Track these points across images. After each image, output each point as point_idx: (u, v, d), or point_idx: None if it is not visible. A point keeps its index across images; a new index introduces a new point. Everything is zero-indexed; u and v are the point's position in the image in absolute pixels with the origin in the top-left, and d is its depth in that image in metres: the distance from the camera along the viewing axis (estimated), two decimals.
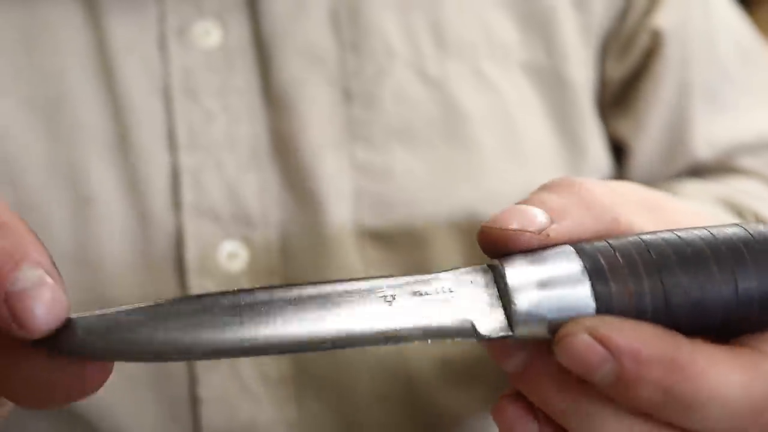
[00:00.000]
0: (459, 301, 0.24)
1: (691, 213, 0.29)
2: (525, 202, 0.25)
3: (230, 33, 0.40)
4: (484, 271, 0.24)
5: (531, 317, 0.23)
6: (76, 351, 0.22)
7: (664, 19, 0.45)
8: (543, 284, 0.23)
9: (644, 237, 0.24)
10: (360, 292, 0.24)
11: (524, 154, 0.42)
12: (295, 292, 0.24)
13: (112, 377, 0.37)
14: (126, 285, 0.38)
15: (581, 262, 0.23)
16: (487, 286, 0.24)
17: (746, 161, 0.48)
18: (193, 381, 0.38)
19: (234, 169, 0.39)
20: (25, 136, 0.38)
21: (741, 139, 0.47)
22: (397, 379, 0.39)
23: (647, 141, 0.46)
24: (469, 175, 0.41)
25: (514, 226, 0.24)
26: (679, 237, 0.24)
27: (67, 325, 0.22)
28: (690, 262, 0.23)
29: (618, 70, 0.46)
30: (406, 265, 0.40)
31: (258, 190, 0.39)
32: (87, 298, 0.37)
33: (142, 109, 0.39)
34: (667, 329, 0.22)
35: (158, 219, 0.38)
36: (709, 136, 0.47)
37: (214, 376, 0.38)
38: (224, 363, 0.38)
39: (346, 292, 0.24)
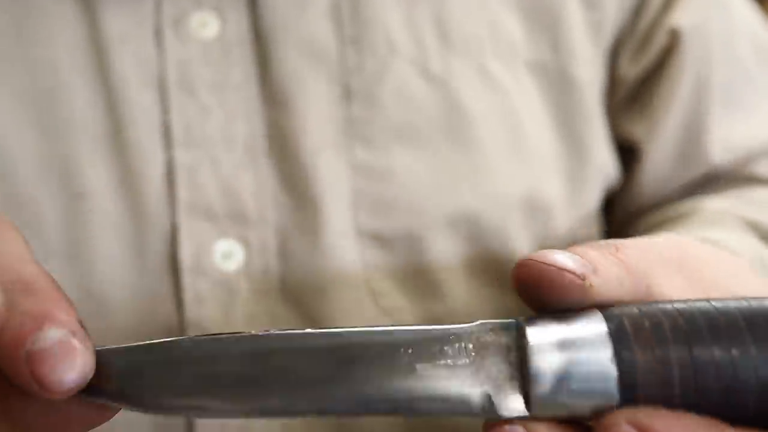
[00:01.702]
0: (478, 367, 0.23)
1: (726, 265, 0.28)
2: (567, 251, 0.24)
3: (228, 25, 0.39)
4: (507, 330, 0.23)
5: (548, 378, 0.22)
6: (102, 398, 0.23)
7: (682, 17, 0.44)
8: (564, 345, 0.22)
9: (676, 305, 0.23)
10: (378, 348, 0.23)
11: (527, 155, 0.41)
12: (310, 342, 0.23)
13: None
14: (119, 282, 0.37)
15: (606, 325, 0.22)
16: (509, 349, 0.23)
17: (762, 167, 0.46)
18: None
19: (230, 166, 0.38)
20: (16, 128, 0.37)
21: (760, 143, 0.46)
22: None
23: (661, 143, 0.45)
24: (471, 176, 0.40)
25: (558, 264, 0.22)
26: (713, 307, 0.22)
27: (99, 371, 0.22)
28: (722, 334, 0.22)
29: (632, 70, 0.45)
30: (404, 266, 0.39)
31: (254, 188, 0.38)
32: (79, 295, 0.37)
33: (137, 103, 0.38)
34: (706, 417, 0.21)
35: (152, 216, 0.38)
36: (726, 140, 0.45)
37: None
38: None
39: (365, 346, 0.23)
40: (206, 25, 0.39)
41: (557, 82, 0.42)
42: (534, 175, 0.41)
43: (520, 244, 0.40)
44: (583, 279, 0.22)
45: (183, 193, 0.38)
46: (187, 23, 0.39)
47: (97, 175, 0.38)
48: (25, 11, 0.38)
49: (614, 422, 0.21)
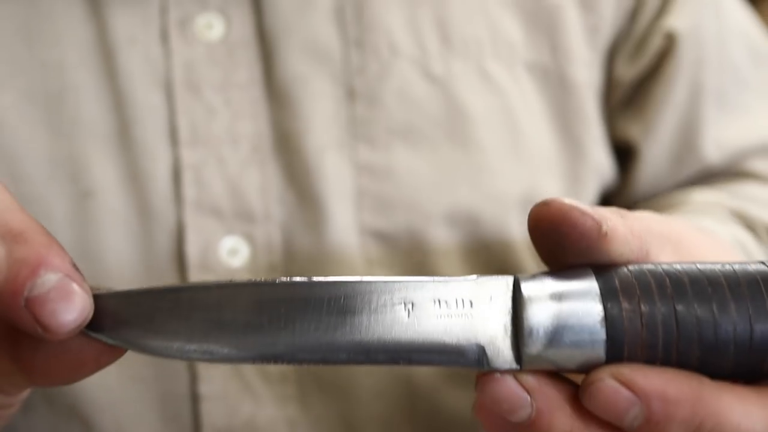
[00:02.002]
0: (475, 317, 0.23)
1: (710, 245, 0.29)
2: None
3: (233, 26, 0.40)
4: (503, 283, 0.24)
5: (540, 332, 0.23)
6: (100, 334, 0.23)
7: (678, 20, 0.45)
8: (556, 298, 0.23)
9: (663, 266, 0.24)
10: (379, 299, 0.23)
11: (526, 154, 0.42)
12: (315, 291, 0.23)
13: (112, 376, 0.37)
14: (126, 278, 0.38)
15: (597, 282, 0.23)
16: (504, 303, 0.24)
17: (757, 164, 0.47)
18: (193, 378, 0.38)
19: (236, 165, 0.39)
20: (25, 128, 0.38)
21: (753, 142, 0.47)
22: (396, 378, 0.39)
23: (656, 144, 0.46)
24: (471, 174, 0.40)
25: (581, 208, 0.23)
26: (698, 269, 0.23)
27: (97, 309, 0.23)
28: (706, 295, 0.23)
29: (629, 72, 0.46)
30: (407, 264, 0.39)
31: (260, 186, 0.39)
32: None
33: (144, 103, 0.39)
34: (686, 372, 0.23)
35: (159, 213, 0.38)
36: (719, 140, 0.46)
37: (214, 373, 0.38)
38: None
39: (366, 297, 0.23)
40: (212, 27, 0.40)
41: (555, 84, 0.43)
42: (532, 174, 0.42)
43: (519, 241, 0.41)
44: (600, 225, 0.23)
45: (189, 192, 0.38)
46: (192, 25, 0.39)
47: (104, 174, 0.38)
48: (35, 13, 0.39)
49: (599, 377, 0.22)
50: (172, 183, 0.39)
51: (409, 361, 0.23)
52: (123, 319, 0.23)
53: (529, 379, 0.23)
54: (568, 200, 0.23)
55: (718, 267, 0.23)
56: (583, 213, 0.23)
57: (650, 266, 0.24)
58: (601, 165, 0.44)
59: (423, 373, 0.39)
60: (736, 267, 0.23)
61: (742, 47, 0.48)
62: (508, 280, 0.24)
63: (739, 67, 0.47)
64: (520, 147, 0.42)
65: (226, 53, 0.40)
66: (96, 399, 0.37)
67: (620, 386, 0.22)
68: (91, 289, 0.23)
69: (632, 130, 0.46)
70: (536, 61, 0.43)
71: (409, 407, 0.39)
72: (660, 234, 0.26)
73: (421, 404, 0.39)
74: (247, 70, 0.40)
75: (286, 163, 0.39)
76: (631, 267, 0.24)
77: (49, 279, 0.21)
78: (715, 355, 0.23)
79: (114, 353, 0.23)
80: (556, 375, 0.23)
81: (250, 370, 0.38)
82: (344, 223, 0.39)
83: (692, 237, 0.29)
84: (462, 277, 0.24)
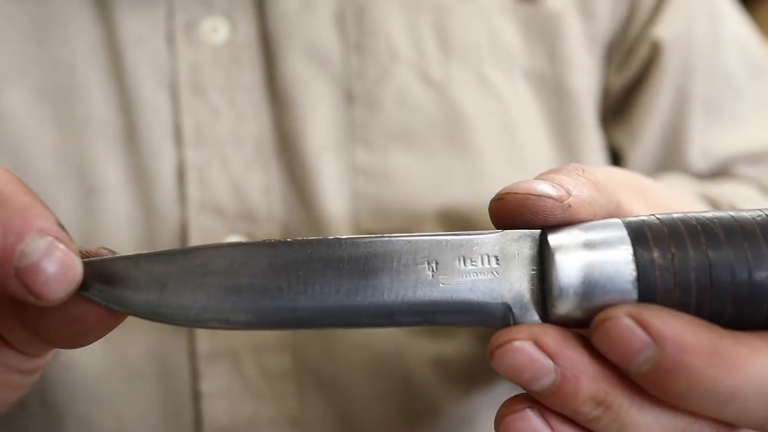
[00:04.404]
0: (501, 274, 0.22)
1: (673, 196, 0.29)
2: (538, 178, 0.24)
3: (238, 30, 0.40)
4: (531, 238, 0.23)
5: (570, 281, 0.22)
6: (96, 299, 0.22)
7: (665, 29, 0.46)
8: (585, 246, 0.22)
9: (693, 214, 0.23)
10: (402, 259, 0.22)
11: (522, 159, 0.42)
12: (334, 251, 0.22)
13: (113, 373, 0.38)
14: None
15: (626, 231, 0.22)
16: (531, 259, 0.23)
17: (744, 170, 0.48)
18: (195, 376, 0.38)
19: (239, 166, 0.40)
20: (34, 123, 0.39)
21: (743, 150, 0.48)
22: (394, 377, 0.40)
23: (642, 150, 0.47)
24: (468, 179, 0.41)
25: (537, 192, 0.23)
26: (731, 216, 0.22)
27: (91, 270, 0.22)
28: (738, 239, 0.22)
29: (618, 80, 0.46)
30: None
31: (263, 187, 0.40)
32: None
33: (150, 103, 0.39)
34: (706, 321, 0.22)
35: (163, 212, 0.39)
36: (706, 148, 0.47)
37: (216, 370, 0.39)
38: (227, 358, 0.39)
39: (389, 257, 0.22)
40: (217, 31, 0.40)
41: (553, 91, 0.44)
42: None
43: None
44: (562, 202, 0.23)
45: (193, 191, 0.39)
46: (198, 28, 0.40)
47: (110, 171, 0.39)
48: (46, 13, 0.39)
49: (615, 314, 0.21)
50: (176, 182, 0.39)
51: (433, 322, 0.22)
52: (132, 286, 0.22)
53: (551, 343, 0.22)
54: (522, 186, 0.23)
55: (749, 214, 0.22)
56: (540, 195, 0.22)
57: (681, 215, 0.23)
58: None
59: (420, 372, 0.40)
60: (766, 210, 0.23)
61: (738, 58, 0.49)
62: (534, 234, 0.23)
63: (733, 78, 0.48)
64: (517, 151, 0.42)
65: (231, 56, 0.40)
66: (97, 396, 0.38)
67: (636, 326, 0.21)
68: (98, 252, 0.23)
69: (619, 137, 0.47)
70: (534, 68, 0.44)
71: (407, 407, 0.40)
72: (626, 184, 0.26)
73: (419, 404, 0.40)
74: (250, 72, 0.40)
75: (286, 164, 0.40)
76: (661, 216, 0.23)
77: (38, 246, 0.21)
78: (749, 303, 0.22)
79: (119, 316, 0.23)
80: (578, 335, 0.22)
81: (250, 367, 0.39)
82: (341, 225, 0.40)
83: (657, 187, 0.29)
84: (488, 232, 0.23)
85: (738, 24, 0.50)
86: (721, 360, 0.21)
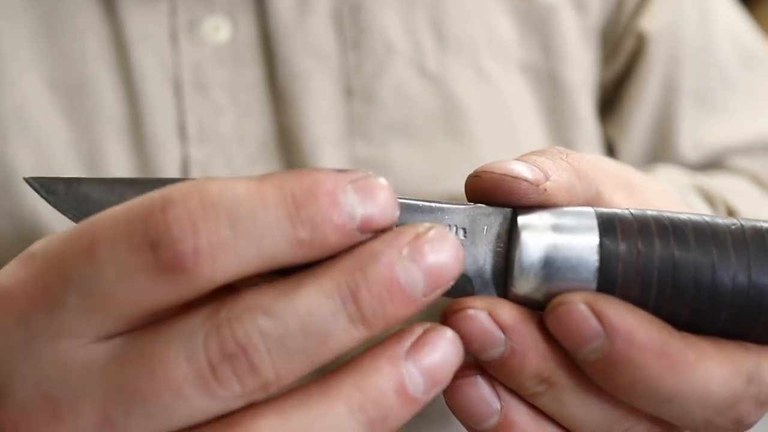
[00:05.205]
0: (468, 250, 0.23)
1: (661, 191, 0.29)
2: (519, 159, 0.24)
3: (239, 29, 0.42)
4: (501, 215, 0.23)
5: (532, 261, 0.22)
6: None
7: (650, 22, 0.46)
8: (553, 229, 0.22)
9: (667, 213, 0.23)
10: None
11: (518, 150, 0.42)
12: None
13: None
14: None
15: (596, 220, 0.22)
16: (499, 233, 0.23)
17: (738, 161, 0.48)
18: None
19: (242, 162, 0.41)
20: (46, 112, 0.40)
21: (736, 141, 0.48)
22: None
23: (632, 142, 0.47)
24: (466, 168, 0.40)
25: (513, 174, 0.23)
26: (705, 221, 0.22)
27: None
28: (707, 245, 0.22)
29: (607, 73, 0.47)
30: None
31: None
32: None
33: (155, 99, 0.40)
34: (661, 320, 0.22)
35: None
36: (697, 139, 0.47)
37: None
38: None
39: None
40: (219, 30, 0.41)
41: (548, 84, 0.44)
42: None
43: None
44: (538, 185, 0.23)
45: None
46: (200, 27, 0.41)
47: (118, 163, 0.40)
48: (55, 9, 0.40)
49: (571, 300, 0.21)
50: (181, 177, 0.40)
51: None
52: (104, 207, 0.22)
53: (505, 317, 0.22)
54: (499, 166, 0.23)
55: (725, 221, 0.22)
56: (516, 177, 0.23)
57: (654, 212, 0.23)
58: None
59: None
60: (743, 221, 0.22)
61: (730, 49, 0.49)
62: (506, 212, 0.23)
63: (725, 69, 0.48)
64: (513, 142, 0.43)
65: (233, 55, 0.41)
66: None
67: (590, 314, 0.21)
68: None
69: (610, 130, 0.47)
70: (529, 61, 0.44)
71: None
72: (611, 175, 0.26)
73: None
74: (252, 70, 0.41)
75: (288, 159, 0.41)
76: (634, 210, 0.23)
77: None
78: (707, 310, 0.22)
79: None
80: (533, 314, 0.22)
81: None
82: None
83: (643, 181, 0.29)
84: (460, 203, 0.23)
85: (731, 15, 0.50)
86: (667, 361, 0.21)
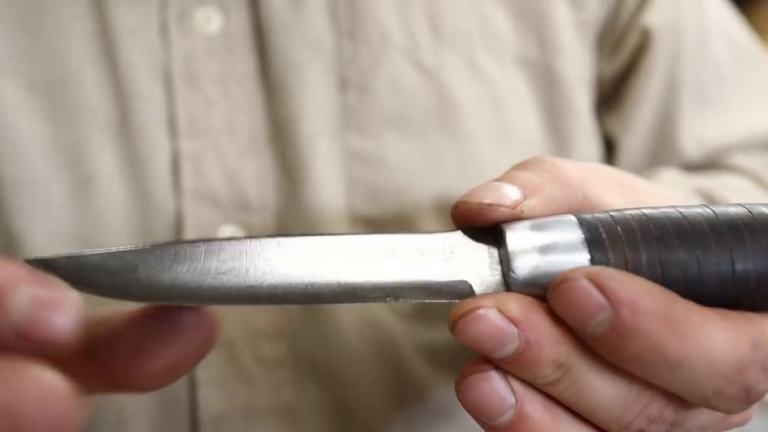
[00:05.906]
0: (458, 261, 0.24)
1: (660, 195, 0.29)
2: (499, 179, 0.25)
3: (231, 20, 0.41)
4: (488, 234, 0.24)
5: (528, 282, 0.23)
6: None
7: (654, 17, 0.46)
8: (543, 250, 0.23)
9: (646, 211, 0.24)
10: (362, 241, 0.24)
11: (514, 144, 0.43)
12: (300, 240, 0.24)
13: None
14: None
15: (581, 232, 0.23)
16: (489, 250, 0.24)
17: (739, 159, 0.48)
18: None
19: (234, 155, 0.40)
20: (27, 115, 0.39)
21: (733, 138, 0.48)
22: (386, 365, 0.39)
23: (634, 138, 0.47)
24: (460, 162, 0.41)
25: (488, 201, 0.24)
26: (680, 213, 0.23)
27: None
28: (689, 238, 0.23)
29: (609, 68, 0.47)
30: None
31: (257, 175, 0.40)
32: None
33: (144, 93, 0.40)
34: (663, 288, 0.22)
35: (158, 202, 0.39)
36: (698, 135, 0.47)
37: (212, 358, 0.38)
38: (222, 346, 0.39)
39: (351, 246, 0.24)
40: (210, 20, 0.41)
41: (543, 78, 0.44)
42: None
43: None
44: (514, 208, 0.24)
45: (188, 181, 0.39)
46: (191, 18, 0.41)
47: (105, 161, 0.39)
48: (36, 3, 0.40)
49: (573, 276, 0.22)
50: (171, 172, 0.39)
51: (396, 298, 0.23)
52: (103, 270, 0.23)
53: (515, 310, 0.22)
54: (477, 193, 0.24)
55: (699, 210, 0.24)
56: (490, 206, 0.24)
57: (633, 212, 0.24)
58: (588, 158, 0.45)
59: (411, 361, 0.40)
60: (717, 209, 0.24)
61: (723, 44, 0.49)
62: (489, 231, 0.24)
63: (719, 64, 0.48)
64: (509, 136, 0.42)
65: (225, 46, 0.41)
66: None
67: (593, 288, 0.21)
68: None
69: (612, 125, 0.47)
70: (524, 55, 0.44)
71: (397, 394, 0.40)
72: (608, 178, 0.27)
73: (408, 391, 0.40)
74: (244, 62, 0.41)
75: (280, 152, 0.40)
76: (614, 214, 0.24)
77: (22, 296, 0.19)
78: (698, 295, 0.23)
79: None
80: (539, 302, 0.23)
81: (245, 355, 0.39)
82: (335, 210, 0.40)
83: (641, 183, 0.29)
84: (445, 232, 0.25)
85: (723, 13, 0.50)
86: (672, 325, 0.21)
